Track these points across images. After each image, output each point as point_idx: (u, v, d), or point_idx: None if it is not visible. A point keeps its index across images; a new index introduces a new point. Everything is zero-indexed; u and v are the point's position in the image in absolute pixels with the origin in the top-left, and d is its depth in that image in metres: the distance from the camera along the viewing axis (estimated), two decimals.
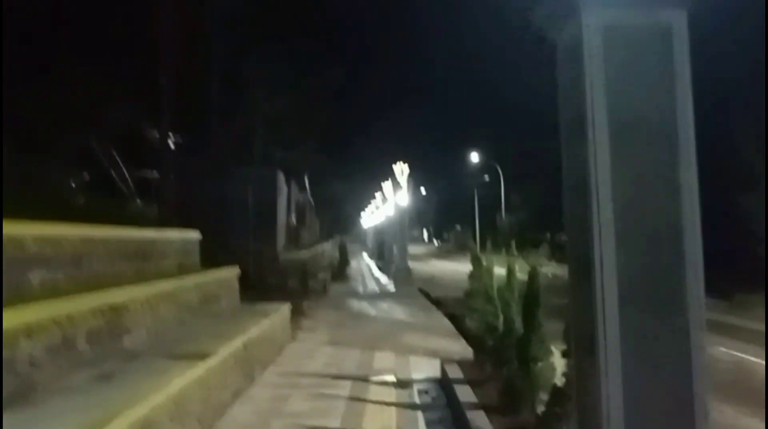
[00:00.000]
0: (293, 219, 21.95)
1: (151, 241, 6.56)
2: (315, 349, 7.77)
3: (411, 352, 8.00)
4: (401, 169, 18.85)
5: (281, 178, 18.24)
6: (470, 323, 7.06)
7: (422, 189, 68.12)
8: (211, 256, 12.45)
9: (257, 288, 13.44)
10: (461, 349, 8.54)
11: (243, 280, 13.59)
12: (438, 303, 15.29)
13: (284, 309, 8.22)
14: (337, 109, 26.29)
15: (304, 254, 17.61)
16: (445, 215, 75.56)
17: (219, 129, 15.25)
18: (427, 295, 16.74)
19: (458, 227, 75.11)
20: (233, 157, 15.56)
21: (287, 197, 20.97)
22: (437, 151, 57.41)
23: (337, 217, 65.03)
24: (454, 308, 14.27)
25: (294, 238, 20.70)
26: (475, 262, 6.60)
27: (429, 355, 7.84)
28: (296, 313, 10.70)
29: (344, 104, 31.44)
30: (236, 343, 5.45)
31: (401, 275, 18.54)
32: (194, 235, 8.16)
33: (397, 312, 12.55)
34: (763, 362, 8.76)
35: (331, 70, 20.33)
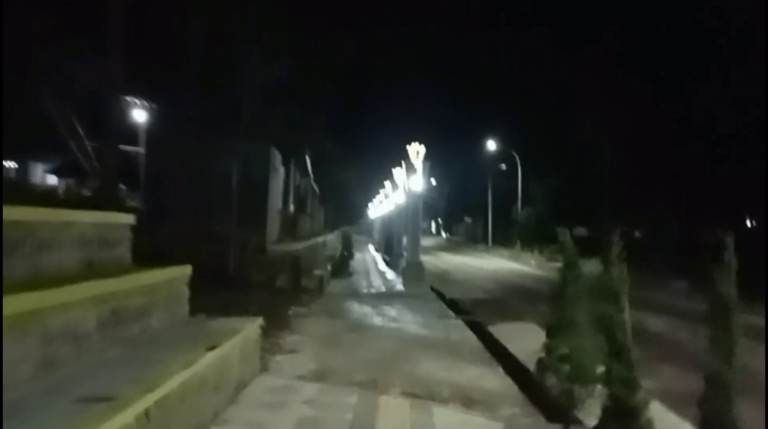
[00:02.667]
0: (291, 206, 19.54)
1: (27, 227, 4.09)
2: (290, 390, 5.30)
3: (433, 394, 5.54)
4: (416, 150, 16.31)
5: (276, 156, 15.79)
6: (549, 374, 4.56)
7: (432, 179, 65.40)
8: (168, 248, 9.99)
9: (236, 287, 11.04)
10: (500, 384, 6.11)
11: (219, 276, 11.16)
12: (456, 306, 12.84)
13: (250, 328, 5.74)
14: (345, 86, 23.85)
15: (299, 246, 15.18)
16: (455, 207, 72.85)
17: (201, 94, 12.77)
18: (441, 296, 14.28)
19: (468, 219, 72.64)
20: (217, 129, 13.07)
21: (284, 180, 18.53)
22: (450, 139, 54.56)
23: (343, 207, 62.69)
24: (476, 313, 11.80)
25: (290, 227, 18.30)
26: (568, 268, 4.12)
27: (461, 399, 5.42)
28: (277, 325, 8.27)
29: (353, 83, 28.95)
30: (126, 418, 2.97)
31: (411, 271, 16.07)
32: (121, 218, 5.71)
33: (408, 320, 10.07)
34: None
35: (340, 39, 17.82)
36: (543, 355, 4.21)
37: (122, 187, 13.90)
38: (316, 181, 34.41)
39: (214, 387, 4.49)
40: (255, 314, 9.06)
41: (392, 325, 9.52)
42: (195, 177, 12.79)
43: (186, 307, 5.96)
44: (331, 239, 29.48)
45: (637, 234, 37.30)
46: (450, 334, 9.04)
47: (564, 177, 35.56)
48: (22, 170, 29.32)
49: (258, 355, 5.95)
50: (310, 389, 5.34)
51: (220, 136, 12.68)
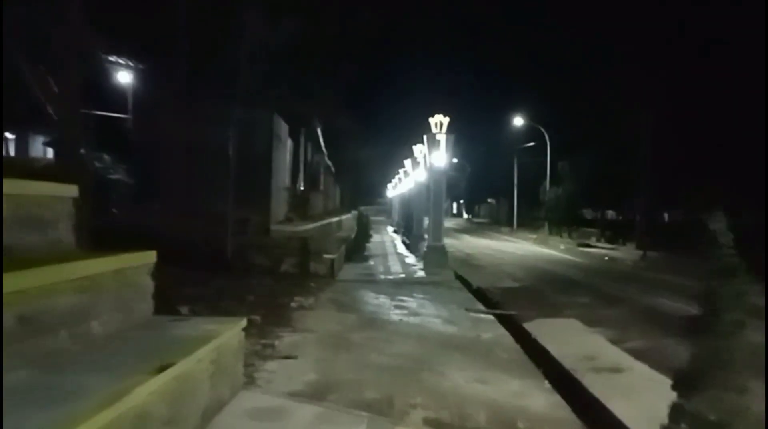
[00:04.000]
0: (301, 183, 18.38)
1: None
2: (278, 415, 4.16)
3: (465, 419, 4.37)
4: (439, 122, 15.00)
5: (282, 126, 14.58)
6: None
7: (454, 159, 63.86)
8: (157, 229, 8.95)
9: (233, 272, 9.94)
10: (548, 403, 4.95)
11: (215, 261, 10.05)
12: (483, 296, 11.65)
13: (230, 333, 4.57)
14: (361, 55, 22.51)
15: (308, 227, 14.02)
16: (477, 187, 71.20)
17: (194, 53, 11.56)
18: (466, 284, 13.08)
19: (491, 200, 71.16)
20: (213, 93, 11.86)
21: (293, 154, 17.34)
22: (473, 116, 52.76)
23: (361, 185, 61.52)
24: (508, 305, 10.59)
25: (301, 206, 17.15)
26: (723, 276, 2.78)
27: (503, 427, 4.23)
28: (276, 320, 7.16)
29: (370, 52, 27.55)
30: None
31: (433, 256, 14.87)
32: (58, 190, 4.53)
33: (431, 314, 8.89)
34: None
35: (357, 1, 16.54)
36: (670, 424, 2.74)
37: (106, 158, 12.82)
38: (331, 157, 33.20)
39: (167, 422, 3.34)
40: (251, 306, 7.96)
41: (412, 319, 8.33)
42: (188, 148, 11.67)
43: (148, 305, 4.81)
44: (347, 220, 28.37)
45: (666, 218, 35.60)
46: (480, 331, 7.84)
47: (596, 156, 33.90)
48: (22, 142, 28.54)
49: (240, 366, 4.80)
50: (305, 414, 4.18)
51: (216, 101, 11.48)
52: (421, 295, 10.66)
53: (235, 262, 10.59)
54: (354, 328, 7.39)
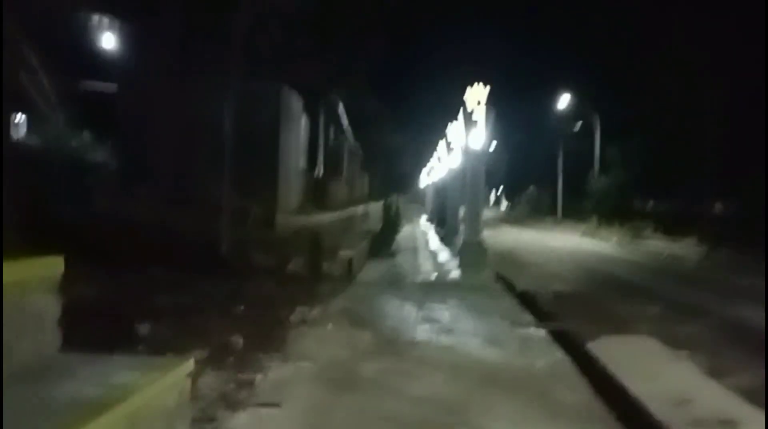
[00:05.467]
0: (320, 168, 16.92)
1: None
2: None
3: None
4: (477, 95, 13.35)
5: (294, 102, 13.09)
6: None
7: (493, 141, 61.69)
8: (141, 219, 7.62)
9: (227, 273, 8.52)
10: None
11: (206, 259, 8.67)
12: (531, 303, 10.01)
13: (159, 385, 3.07)
14: (392, 28, 20.91)
15: (324, 218, 12.57)
16: (517, 175, 68.89)
17: (189, 9, 10.12)
18: (510, 287, 11.44)
19: (532, 189, 68.89)
20: (211, 59, 10.40)
21: (310, 135, 15.88)
22: (512, 98, 50.44)
23: (392, 172, 59.92)
24: (562, 316, 8.97)
25: (319, 194, 15.71)
26: None
27: None
28: (264, 342, 5.70)
29: (401, 27, 25.95)
30: None
31: (470, 253, 13.29)
32: None
33: (468, 330, 7.33)
34: None
35: None
36: None
37: (86, 136, 11.53)
38: (359, 142, 31.76)
39: None
40: (236, 321, 6.50)
41: (444, 340, 6.77)
42: (181, 124, 10.32)
43: (49, 337, 3.36)
44: (375, 210, 26.87)
45: (719, 208, 33.03)
46: (533, 357, 6.27)
47: (651, 141, 31.73)
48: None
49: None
50: None
51: (214, 69, 10.04)
52: (455, 303, 9.10)
53: (232, 261, 9.18)
54: (367, 354, 5.87)
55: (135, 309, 6.16)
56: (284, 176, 11.76)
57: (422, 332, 7.01)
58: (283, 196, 11.54)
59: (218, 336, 5.68)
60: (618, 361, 6.37)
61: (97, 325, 5.21)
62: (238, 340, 5.54)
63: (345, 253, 10.44)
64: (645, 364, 6.40)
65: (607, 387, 5.61)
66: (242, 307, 6.98)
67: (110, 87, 12.01)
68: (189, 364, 3.38)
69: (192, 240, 9.51)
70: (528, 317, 8.59)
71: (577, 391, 5.35)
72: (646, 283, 13.60)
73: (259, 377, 4.77)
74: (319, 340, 6.16)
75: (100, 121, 11.66)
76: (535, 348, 6.72)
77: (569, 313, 9.26)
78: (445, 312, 8.37)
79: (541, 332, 7.56)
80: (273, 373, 4.92)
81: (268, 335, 6.02)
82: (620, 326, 8.50)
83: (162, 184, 10.40)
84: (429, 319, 7.74)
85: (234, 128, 9.65)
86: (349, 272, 10.34)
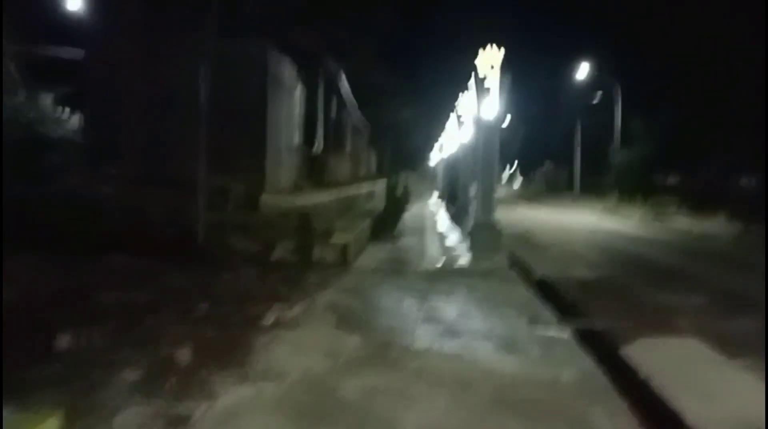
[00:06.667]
0: (320, 143, 15.76)
1: None
2: None
3: None
4: (490, 60, 12.12)
5: (285, 67, 11.91)
6: None
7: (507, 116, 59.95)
8: (109, 202, 6.66)
9: (202, 261, 7.49)
10: None
11: (180, 245, 7.66)
12: (551, 293, 8.93)
13: None
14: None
15: (320, 198, 11.46)
16: (532, 150, 67.20)
17: None
18: (527, 273, 10.34)
19: (548, 165, 67.35)
20: (185, 15, 9.22)
21: (306, 106, 14.71)
22: (526, 69, 48.43)
23: (402, 150, 58.56)
24: (588, 310, 7.86)
25: (317, 171, 14.59)
26: None
27: None
28: (217, 355, 4.63)
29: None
30: None
31: (482, 235, 12.17)
32: None
33: (478, 332, 6.23)
34: None
35: None
36: None
37: (47, 107, 10.45)
38: (366, 117, 30.49)
39: None
40: (197, 323, 5.44)
41: (448, 345, 5.68)
42: (155, 94, 9.22)
43: None
44: (383, 188, 25.72)
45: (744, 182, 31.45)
46: (558, 366, 5.18)
47: (676, 113, 30.20)
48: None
49: None
50: None
51: (188, 26, 8.88)
52: (464, 295, 8.00)
53: (208, 247, 8.11)
54: (352, 367, 4.78)
55: (69, 309, 5.12)
56: (273, 151, 10.62)
57: (423, 335, 5.92)
58: (271, 174, 10.43)
59: (166, 346, 4.63)
60: (663, 374, 5.24)
61: (7, 335, 4.18)
62: (189, 353, 4.48)
63: (340, 237, 9.33)
64: (695, 378, 5.25)
65: (653, 410, 4.52)
66: (206, 305, 5.91)
67: (76, 53, 10.90)
68: (51, 424, 2.32)
69: (164, 223, 8.48)
70: (548, 312, 7.48)
71: (615, 416, 4.28)
72: (680, 266, 12.37)
73: (201, 409, 3.69)
74: (295, 348, 5.09)
75: (65, 91, 10.58)
76: (560, 354, 5.63)
77: (596, 305, 8.11)
78: (451, 307, 7.27)
79: (566, 332, 6.45)
80: (222, 402, 3.85)
81: (231, 343, 4.96)
82: (658, 323, 7.32)
83: (133, 160, 9.35)
84: (432, 317, 6.63)
85: (212, 95, 8.52)
86: (345, 259, 9.23)
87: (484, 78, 12.23)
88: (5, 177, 7.85)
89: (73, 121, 10.88)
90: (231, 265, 7.88)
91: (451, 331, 6.12)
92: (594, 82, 38.63)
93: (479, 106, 12.47)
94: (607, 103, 36.29)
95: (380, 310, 6.95)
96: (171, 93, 9.37)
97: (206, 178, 8.33)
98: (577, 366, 5.30)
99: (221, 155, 8.99)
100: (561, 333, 6.45)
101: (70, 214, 8.19)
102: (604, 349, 5.96)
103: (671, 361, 5.67)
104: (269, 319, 5.81)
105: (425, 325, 6.31)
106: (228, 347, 4.84)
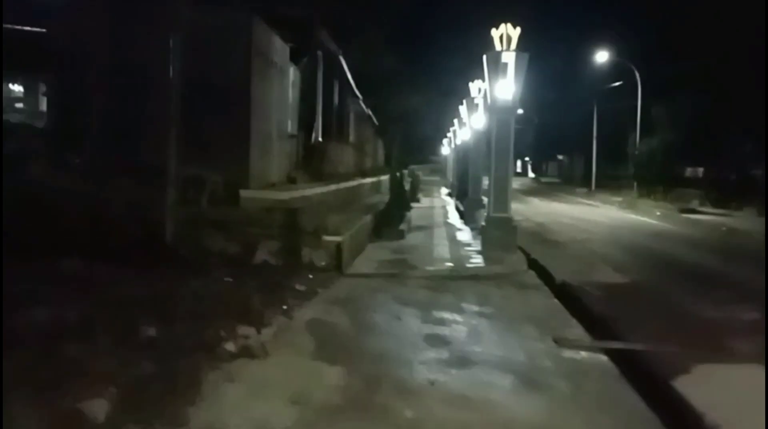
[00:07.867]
0: (317, 131, 14.60)
1: None
2: None
3: None
4: (504, 37, 10.92)
5: (275, 45, 10.75)
6: None
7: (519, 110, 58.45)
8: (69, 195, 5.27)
9: (169, 265, 6.35)
10: None
11: (145, 245, 6.56)
12: (575, 301, 7.78)
13: None
14: None
15: (314, 192, 10.31)
16: (545, 142, 65.54)
17: None
18: (546, 276, 9.16)
19: (562, 157, 65.90)
20: None
21: (302, 91, 13.55)
22: (539, 59, 46.93)
23: (411, 141, 57.19)
24: (621, 324, 6.69)
25: (315, 162, 13.45)
26: None
27: None
28: (152, 401, 3.46)
29: None
30: None
31: (495, 232, 11.05)
32: None
33: (492, 360, 5.08)
34: None
35: None
36: None
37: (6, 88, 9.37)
38: (372, 106, 29.27)
39: None
40: (139, 351, 4.34)
41: (455, 380, 4.53)
42: (122, 71, 8.12)
43: None
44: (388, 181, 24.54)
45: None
46: (596, 414, 4.02)
47: (701, 99, 28.76)
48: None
49: None
50: None
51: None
52: (475, 307, 6.83)
53: (177, 247, 6.98)
54: (324, 418, 3.64)
55: None
56: (259, 138, 9.46)
57: (423, 365, 4.76)
58: (256, 164, 9.28)
59: (77, 389, 3.50)
60: (734, 421, 4.08)
61: None
62: (104, 403, 3.35)
63: (331, 238, 8.18)
64: None
65: None
66: (156, 327, 4.77)
67: (37, 30, 9.79)
68: None
69: (129, 221, 7.36)
70: (575, 327, 6.31)
71: None
72: (723, 270, 11.07)
73: None
74: (254, 390, 3.95)
75: (25, 71, 9.49)
76: (596, 391, 4.47)
77: (631, 319, 6.95)
78: (459, 322, 6.12)
79: (600, 357, 5.28)
80: None
81: (171, 384, 3.82)
82: (711, 343, 6.12)
83: (98, 148, 8.26)
84: (435, 339, 5.47)
85: (187, 72, 7.38)
86: (338, 261, 8.09)
87: (500, 52, 11.01)
88: None
89: (31, 104, 9.82)
90: (202, 271, 6.75)
91: (460, 359, 4.96)
92: (610, 70, 37.18)
93: (494, 85, 11.24)
94: (624, 92, 34.80)
95: (373, 328, 5.79)
96: (141, 71, 8.24)
97: (177, 167, 7.18)
98: (621, 409, 4.16)
99: (197, 142, 7.89)
100: (594, 358, 5.28)
101: (19, 211, 7.08)
102: (652, 383, 4.79)
103: (739, 400, 4.49)
104: (231, 345, 4.68)
105: (426, 350, 5.15)
106: (164, 391, 3.71)
